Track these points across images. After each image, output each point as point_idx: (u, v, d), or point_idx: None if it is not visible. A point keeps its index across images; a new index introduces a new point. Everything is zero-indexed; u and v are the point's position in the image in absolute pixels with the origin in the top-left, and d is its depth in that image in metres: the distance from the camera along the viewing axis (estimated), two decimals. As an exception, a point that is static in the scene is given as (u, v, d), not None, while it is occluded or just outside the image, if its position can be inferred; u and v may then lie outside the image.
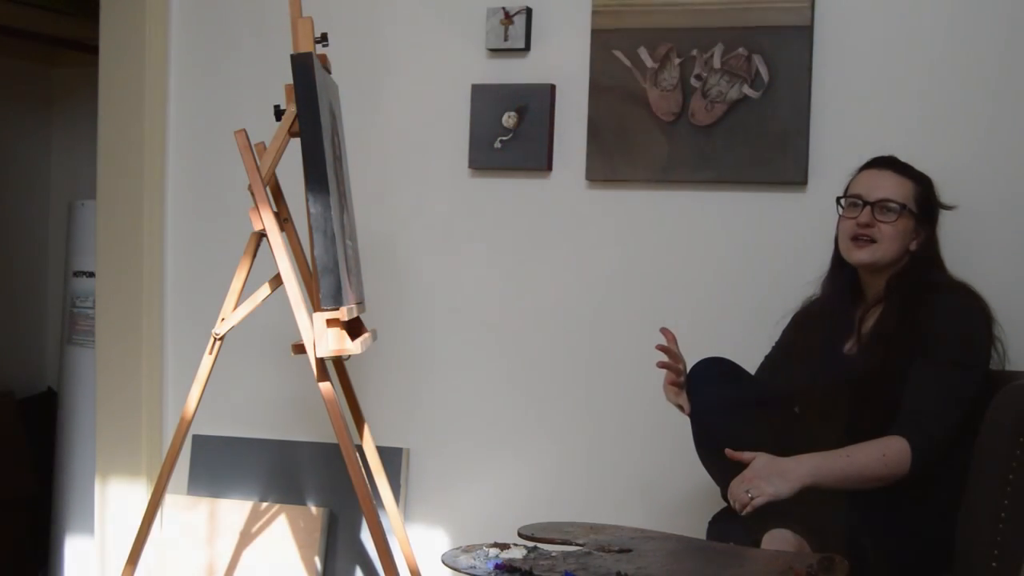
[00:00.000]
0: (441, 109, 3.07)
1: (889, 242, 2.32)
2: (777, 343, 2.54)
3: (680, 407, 2.35)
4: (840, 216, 2.41)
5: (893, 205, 2.32)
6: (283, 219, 2.65)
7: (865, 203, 2.33)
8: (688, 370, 2.36)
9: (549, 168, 2.98)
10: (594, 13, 2.90)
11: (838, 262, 2.44)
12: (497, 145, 2.99)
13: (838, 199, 2.43)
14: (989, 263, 2.59)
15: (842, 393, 2.30)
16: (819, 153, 2.74)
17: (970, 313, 2.26)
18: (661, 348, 2.33)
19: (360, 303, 2.68)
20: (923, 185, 2.38)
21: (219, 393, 3.18)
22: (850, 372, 2.30)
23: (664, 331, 2.37)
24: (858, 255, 2.34)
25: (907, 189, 2.35)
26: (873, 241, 2.32)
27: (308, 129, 2.45)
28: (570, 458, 2.97)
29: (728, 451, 2.20)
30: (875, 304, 2.36)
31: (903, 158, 2.43)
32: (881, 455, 2.13)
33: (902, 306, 2.29)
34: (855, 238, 2.34)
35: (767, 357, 2.54)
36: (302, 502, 3.15)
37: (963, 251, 2.56)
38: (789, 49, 2.74)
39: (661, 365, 2.34)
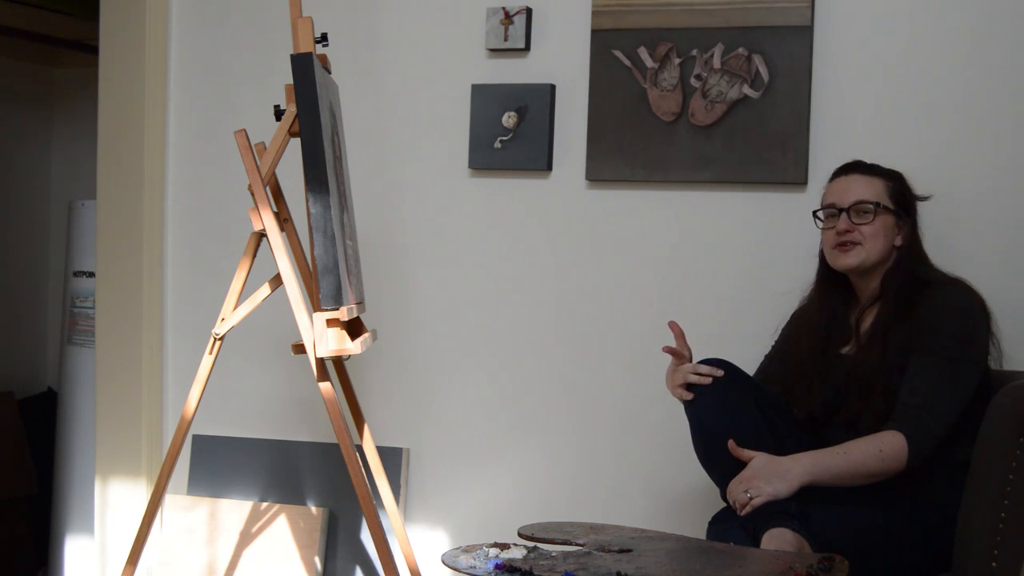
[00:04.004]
0: (441, 109, 3.07)
1: (872, 242, 2.34)
2: (776, 346, 2.54)
3: (680, 398, 2.35)
4: (821, 229, 2.43)
5: (867, 205, 2.34)
6: (283, 219, 2.65)
7: (840, 210, 2.36)
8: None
9: (549, 168, 2.98)
10: (594, 13, 2.90)
11: (826, 274, 2.46)
12: (497, 145, 2.99)
13: (815, 213, 2.45)
14: (987, 261, 2.59)
15: (842, 391, 2.31)
16: (819, 153, 2.74)
17: (966, 308, 2.26)
18: (668, 350, 2.36)
19: (360, 303, 2.68)
20: (894, 180, 2.40)
21: (219, 393, 3.18)
22: (851, 369, 2.31)
23: (672, 325, 2.39)
24: (844, 260, 2.36)
25: (878, 187, 2.37)
26: (857, 244, 2.34)
27: (308, 129, 2.45)
28: (570, 458, 2.97)
29: (731, 443, 2.21)
30: (871, 304, 2.37)
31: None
32: (878, 451, 2.14)
33: (898, 301, 2.30)
34: (838, 245, 2.36)
35: (766, 357, 2.54)
36: (302, 502, 3.15)
37: (963, 250, 2.57)
38: (789, 49, 2.74)
39: (667, 350, 2.36)
